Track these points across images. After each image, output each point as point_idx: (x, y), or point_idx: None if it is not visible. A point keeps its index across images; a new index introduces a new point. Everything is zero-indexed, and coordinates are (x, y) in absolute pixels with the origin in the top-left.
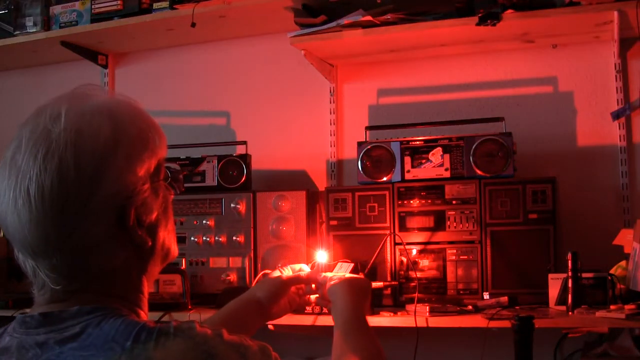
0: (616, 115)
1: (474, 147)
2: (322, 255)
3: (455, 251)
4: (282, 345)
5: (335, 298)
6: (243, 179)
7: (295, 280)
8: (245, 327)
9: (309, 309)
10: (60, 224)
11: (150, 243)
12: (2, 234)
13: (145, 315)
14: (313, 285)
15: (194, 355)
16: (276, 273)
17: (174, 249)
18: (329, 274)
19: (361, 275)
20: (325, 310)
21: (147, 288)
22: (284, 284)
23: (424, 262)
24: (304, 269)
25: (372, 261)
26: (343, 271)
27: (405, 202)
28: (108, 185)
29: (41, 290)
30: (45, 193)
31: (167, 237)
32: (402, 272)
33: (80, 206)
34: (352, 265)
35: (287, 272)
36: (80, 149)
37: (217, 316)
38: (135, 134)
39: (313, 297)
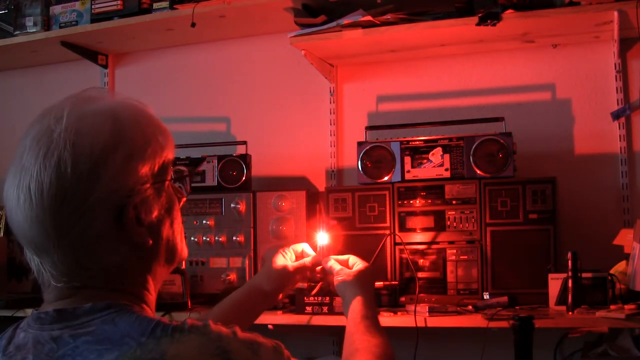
0: (616, 116)
1: (474, 147)
2: (322, 237)
3: (455, 251)
4: None
5: (345, 294)
6: (243, 179)
7: (302, 269)
8: (250, 316)
9: (308, 309)
10: (59, 220)
11: (151, 242)
12: (2, 234)
13: (152, 312)
14: (317, 269)
15: (208, 351)
16: (280, 260)
17: (182, 249)
18: (335, 266)
19: (365, 263)
20: (324, 309)
21: (154, 287)
22: (291, 275)
23: (424, 262)
24: (306, 249)
25: (372, 261)
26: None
27: (405, 202)
28: (106, 183)
29: (48, 288)
30: (44, 190)
31: (172, 237)
32: (402, 272)
33: (78, 203)
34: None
35: (290, 254)
36: (79, 148)
37: (220, 307)
38: (137, 134)
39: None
